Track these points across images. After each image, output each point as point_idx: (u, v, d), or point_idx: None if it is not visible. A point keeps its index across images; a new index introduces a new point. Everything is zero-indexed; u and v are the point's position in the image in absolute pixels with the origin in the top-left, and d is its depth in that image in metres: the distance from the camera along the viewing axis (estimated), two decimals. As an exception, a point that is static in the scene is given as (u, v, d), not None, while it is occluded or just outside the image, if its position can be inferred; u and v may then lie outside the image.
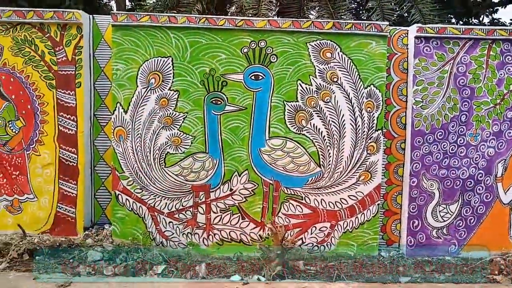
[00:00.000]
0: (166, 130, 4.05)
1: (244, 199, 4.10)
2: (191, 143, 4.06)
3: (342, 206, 4.12)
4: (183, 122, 4.04)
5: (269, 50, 4.02)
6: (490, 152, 4.12)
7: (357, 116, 4.06)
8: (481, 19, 11.79)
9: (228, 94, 4.03)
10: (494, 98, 4.10)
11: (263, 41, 4.01)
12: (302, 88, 4.04)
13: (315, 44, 4.02)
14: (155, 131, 4.04)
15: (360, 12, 7.66)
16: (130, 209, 4.07)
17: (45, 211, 4.09)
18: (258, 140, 4.06)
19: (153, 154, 4.06)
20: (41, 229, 4.10)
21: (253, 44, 4.01)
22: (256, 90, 4.04)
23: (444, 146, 4.10)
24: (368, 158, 4.09)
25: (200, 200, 4.10)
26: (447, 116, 4.09)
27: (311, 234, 4.13)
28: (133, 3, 14.36)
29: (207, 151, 4.07)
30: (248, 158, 4.07)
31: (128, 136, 4.03)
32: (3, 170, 4.06)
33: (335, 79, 4.04)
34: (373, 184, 4.11)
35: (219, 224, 4.11)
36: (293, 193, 4.10)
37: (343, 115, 4.06)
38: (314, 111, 4.05)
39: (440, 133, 4.09)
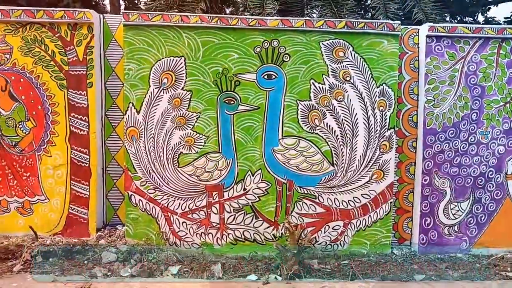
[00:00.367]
0: (179, 130, 4.03)
1: (257, 199, 4.10)
2: (204, 143, 4.05)
3: (355, 205, 4.14)
4: (196, 122, 4.03)
5: (282, 49, 4.02)
6: (500, 150, 4.17)
7: (369, 115, 4.08)
8: (475, 17, 11.90)
9: (241, 93, 4.03)
10: (504, 96, 4.15)
11: (275, 40, 4.01)
12: (315, 87, 4.04)
13: (327, 43, 4.03)
14: (168, 131, 4.02)
15: (363, 11, 7.67)
16: (143, 209, 4.05)
17: (57, 212, 4.05)
18: (271, 140, 4.06)
19: (166, 154, 4.04)
20: (53, 230, 4.06)
21: (266, 44, 4.01)
22: (269, 89, 4.03)
23: (456, 144, 4.14)
24: (381, 157, 4.11)
25: (214, 200, 4.09)
26: (458, 114, 4.13)
27: (325, 232, 4.15)
28: (126, 2, 14.26)
29: (220, 151, 4.06)
30: (261, 158, 4.07)
31: (141, 136, 4.01)
32: (13, 171, 4.01)
33: (348, 78, 4.05)
34: (386, 182, 4.14)
35: (233, 224, 4.10)
36: (306, 192, 4.11)
37: (356, 114, 4.07)
38: (327, 110, 4.06)
39: (452, 131, 4.12)
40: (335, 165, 4.10)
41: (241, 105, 4.04)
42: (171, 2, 6.94)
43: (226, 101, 4.03)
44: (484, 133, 4.15)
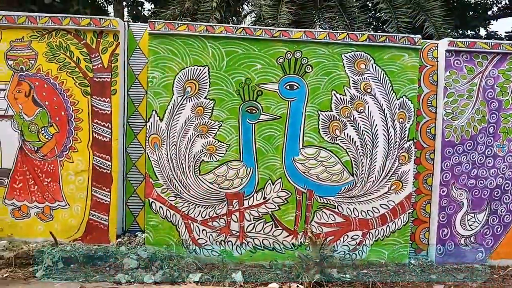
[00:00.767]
0: (201, 138, 4.06)
1: (277, 208, 4.13)
2: (226, 151, 4.08)
3: (374, 215, 4.18)
4: (218, 130, 4.06)
5: (304, 60, 4.08)
6: (516, 163, 4.25)
7: (389, 127, 4.14)
8: (477, 31, 12.12)
9: (263, 103, 4.07)
10: (520, 110, 4.24)
11: (298, 51, 4.07)
12: (336, 98, 4.10)
13: (349, 56, 4.10)
14: (190, 139, 4.05)
15: (375, 23, 7.80)
16: (163, 216, 4.06)
17: (77, 218, 4.05)
18: (292, 149, 4.10)
19: (188, 162, 4.06)
20: (73, 236, 4.06)
21: (288, 55, 4.07)
22: (290, 99, 4.09)
23: (473, 157, 4.20)
24: (400, 168, 4.17)
25: (234, 208, 4.11)
26: (476, 127, 4.20)
27: (343, 242, 4.18)
28: (128, 9, 14.34)
29: (241, 159, 4.09)
30: (281, 167, 4.11)
31: (163, 144, 4.03)
32: (34, 177, 4.01)
33: (369, 90, 4.12)
34: (404, 193, 4.19)
35: (252, 232, 4.13)
36: (326, 202, 4.15)
37: (376, 125, 4.13)
38: (347, 121, 4.12)
39: (469, 144, 4.19)
40: (354, 176, 4.15)
41: (263, 114, 4.08)
42: (184, 11, 7.03)
43: (248, 110, 4.08)
44: (501, 146, 4.22)
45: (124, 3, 12.96)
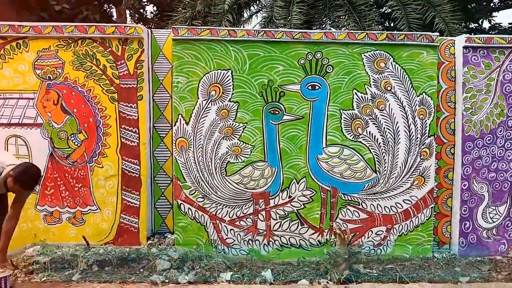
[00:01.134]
0: (227, 140, 4.15)
1: (302, 206, 4.22)
2: (251, 152, 4.17)
3: (397, 210, 4.27)
4: (242, 132, 4.15)
5: (325, 61, 4.16)
6: (535, 155, 4.33)
7: (410, 123, 4.22)
8: (480, 23, 12.17)
9: (285, 104, 4.16)
10: (538, 103, 4.32)
11: (319, 52, 4.15)
12: (358, 96, 4.18)
13: (369, 55, 4.18)
14: (216, 141, 4.14)
15: (385, 21, 7.86)
16: (192, 217, 4.16)
17: (108, 222, 4.15)
18: (316, 148, 4.19)
19: (214, 164, 4.15)
20: (104, 240, 4.15)
21: (309, 56, 4.15)
22: (313, 99, 4.17)
23: (493, 150, 4.28)
24: (422, 164, 4.25)
25: (260, 207, 4.20)
26: (495, 121, 4.28)
27: (368, 238, 4.26)
28: (130, 12, 14.43)
29: (266, 160, 4.18)
30: (306, 166, 4.19)
31: (190, 147, 4.12)
32: (65, 182, 4.11)
33: (389, 88, 4.20)
34: (427, 188, 4.27)
35: (279, 231, 4.22)
36: (350, 199, 4.23)
37: (397, 122, 4.21)
38: (369, 118, 4.20)
39: (489, 137, 4.27)
40: (377, 172, 4.23)
41: (286, 115, 4.17)
42: (196, 15, 7.11)
43: (272, 112, 4.16)
44: (520, 139, 4.30)
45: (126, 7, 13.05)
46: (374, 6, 7.03)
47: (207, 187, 4.16)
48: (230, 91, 4.13)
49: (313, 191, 4.21)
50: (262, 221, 4.20)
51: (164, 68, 4.31)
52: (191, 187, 4.14)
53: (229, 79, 4.13)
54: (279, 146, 4.18)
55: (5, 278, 3.01)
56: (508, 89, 4.28)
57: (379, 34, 4.17)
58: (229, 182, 4.17)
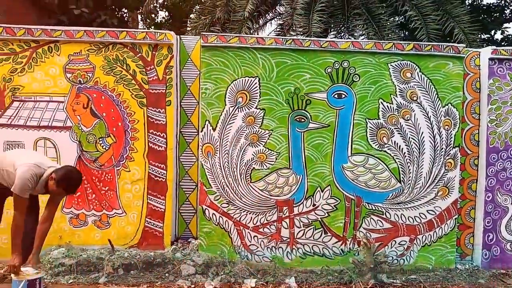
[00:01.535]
0: (252, 147, 4.18)
1: (326, 214, 4.23)
2: (276, 159, 4.19)
3: (421, 221, 4.27)
4: (268, 139, 4.18)
5: (352, 70, 4.19)
6: (560, 168, 4.32)
7: (435, 134, 4.24)
8: (492, 34, 12.20)
9: (311, 112, 4.19)
10: None
11: (346, 61, 4.19)
12: (384, 106, 4.21)
13: (395, 65, 4.21)
14: (242, 147, 4.17)
15: (404, 31, 7.89)
16: (216, 223, 4.18)
17: (133, 226, 4.17)
18: (341, 157, 4.21)
19: (240, 170, 4.18)
20: (129, 243, 4.18)
21: (336, 64, 4.19)
22: (339, 108, 4.20)
23: (518, 163, 4.29)
24: (446, 174, 4.26)
25: (284, 214, 4.21)
26: (520, 133, 4.29)
27: (391, 248, 4.26)
28: (142, 16, 14.56)
29: (291, 167, 4.20)
30: (330, 174, 4.21)
31: (216, 153, 4.15)
32: (92, 186, 4.14)
33: (415, 98, 4.22)
34: (451, 199, 4.27)
35: (302, 238, 4.22)
36: (374, 208, 4.24)
37: (422, 132, 4.23)
38: (395, 128, 4.22)
39: (514, 150, 4.28)
40: (402, 182, 4.24)
41: (312, 123, 4.19)
42: (214, 22, 7.18)
43: (297, 119, 4.19)
44: (545, 152, 4.30)
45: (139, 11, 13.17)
46: (392, 15, 7.07)
47: (232, 193, 4.18)
48: (257, 98, 4.17)
49: (338, 199, 4.22)
50: (285, 228, 4.21)
51: (192, 74, 4.36)
52: (216, 192, 4.17)
53: (256, 86, 4.16)
54: (304, 154, 4.20)
55: (39, 279, 3.03)
56: (534, 102, 4.29)
57: (406, 45, 4.20)
58: (253, 189, 4.19)
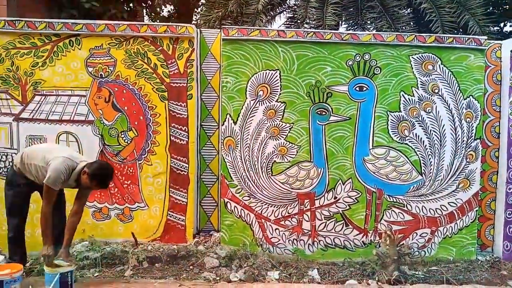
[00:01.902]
0: (273, 140, 4.18)
1: (347, 207, 4.24)
2: (297, 152, 4.20)
3: (442, 213, 4.27)
4: (289, 132, 4.18)
5: (373, 62, 4.18)
6: None
7: (457, 126, 4.23)
8: (501, 26, 12.11)
9: (333, 105, 4.18)
10: None
11: (367, 54, 4.17)
12: (405, 99, 4.20)
13: (417, 57, 4.19)
14: (263, 141, 4.18)
15: (418, 23, 7.83)
16: (238, 216, 4.19)
17: (156, 219, 4.19)
18: (362, 149, 4.21)
19: (261, 163, 4.19)
20: (151, 236, 4.20)
21: (357, 57, 4.17)
22: (360, 100, 4.19)
23: (539, 154, 4.28)
24: (467, 166, 4.26)
25: (305, 207, 4.23)
26: (541, 125, 4.28)
27: (412, 239, 4.27)
28: (147, 10, 14.49)
29: (312, 160, 4.20)
30: (351, 167, 4.21)
31: (237, 146, 4.16)
32: (114, 179, 4.14)
33: (436, 90, 4.21)
34: (472, 191, 4.28)
35: (324, 231, 4.24)
36: (395, 200, 4.25)
37: (443, 125, 4.22)
38: (416, 121, 4.21)
39: (535, 141, 4.27)
40: (423, 174, 4.24)
41: (333, 115, 4.19)
42: (226, 15, 7.16)
43: (318, 112, 4.19)
44: None
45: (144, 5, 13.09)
46: (406, 8, 7.03)
47: (253, 186, 4.19)
48: (277, 91, 4.16)
49: (359, 192, 4.23)
50: (307, 221, 4.22)
51: (212, 68, 4.35)
52: (237, 185, 4.18)
53: (277, 80, 4.16)
54: (326, 147, 4.20)
55: (71, 272, 3.06)
56: (556, 94, 4.28)
57: (428, 37, 4.18)
58: (274, 182, 4.20)
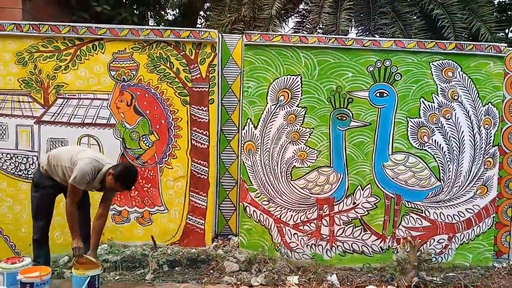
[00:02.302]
0: (293, 145, 4.21)
1: (366, 212, 4.26)
2: (317, 157, 4.22)
3: (459, 219, 4.30)
4: (309, 137, 4.21)
5: (393, 69, 4.21)
6: None
7: (475, 133, 4.26)
8: (506, 32, 12.18)
9: (353, 110, 4.21)
10: None
11: (388, 60, 4.20)
12: (425, 105, 4.23)
13: (437, 64, 4.22)
14: (283, 145, 4.20)
15: (430, 30, 7.88)
16: (257, 220, 4.21)
17: (175, 222, 4.21)
18: (382, 155, 4.23)
19: (280, 168, 4.21)
20: (170, 240, 4.21)
21: (378, 63, 4.20)
22: (380, 106, 4.22)
23: (557, 162, 4.31)
24: (485, 173, 4.28)
25: (324, 212, 4.25)
26: (559, 133, 4.31)
27: (430, 245, 4.29)
28: (152, 13, 14.52)
29: (331, 165, 4.23)
30: (371, 173, 4.24)
31: (257, 151, 4.18)
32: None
33: (456, 97, 4.24)
34: (489, 197, 4.30)
35: (342, 236, 4.26)
36: (413, 206, 4.27)
37: (462, 131, 4.25)
38: (435, 127, 4.24)
39: (553, 149, 4.31)
40: (441, 181, 4.27)
41: (353, 121, 4.22)
42: (237, 20, 7.20)
43: (339, 118, 4.21)
44: None
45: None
46: (418, 14, 7.08)
47: (273, 190, 4.21)
48: (298, 96, 4.19)
49: (378, 198, 4.25)
50: (325, 226, 4.24)
51: (233, 73, 4.38)
52: (257, 190, 4.20)
53: (298, 85, 4.19)
54: (345, 152, 4.23)
55: (99, 275, 3.07)
56: None
57: (448, 44, 4.22)
58: (294, 187, 4.22)
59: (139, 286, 3.49)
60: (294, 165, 4.22)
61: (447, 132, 4.25)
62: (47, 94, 4.11)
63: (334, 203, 4.24)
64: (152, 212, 4.21)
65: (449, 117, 4.24)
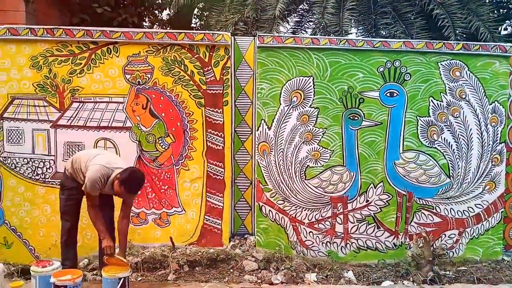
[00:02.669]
0: (307, 145, 4.29)
1: (379, 210, 4.35)
2: (330, 157, 4.30)
3: (469, 214, 4.42)
4: (322, 137, 4.29)
5: (403, 69, 4.31)
6: None
7: (483, 130, 4.38)
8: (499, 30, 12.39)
9: (365, 110, 4.30)
10: None
11: (397, 61, 4.30)
12: (434, 104, 4.34)
13: (445, 64, 4.33)
14: (296, 146, 4.28)
15: (431, 29, 8.00)
16: (272, 219, 4.28)
17: (192, 223, 4.26)
18: (393, 154, 4.33)
19: (294, 167, 4.28)
20: (188, 241, 4.26)
21: (388, 64, 4.30)
22: (391, 106, 4.31)
23: (561, 157, 4.45)
24: (493, 169, 4.41)
25: (338, 211, 4.33)
26: None
27: (441, 241, 4.41)
28: (146, 12, 14.48)
29: (344, 164, 4.31)
30: (383, 171, 4.33)
31: (271, 151, 4.25)
32: (152, 185, 4.22)
33: (463, 96, 4.35)
34: (497, 193, 4.43)
35: (356, 233, 4.35)
36: (424, 203, 4.38)
37: (470, 129, 4.37)
38: (444, 125, 4.35)
39: (558, 145, 4.44)
40: (451, 177, 4.38)
41: (365, 121, 4.31)
42: (239, 20, 7.24)
43: (351, 117, 4.30)
44: None
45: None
46: (419, 14, 7.18)
47: (287, 190, 4.29)
48: (311, 97, 4.27)
49: (390, 195, 4.35)
50: (340, 224, 4.33)
51: (246, 75, 4.43)
52: (272, 190, 4.27)
53: (311, 86, 4.26)
54: (358, 151, 4.32)
55: (128, 277, 3.12)
56: None
57: (456, 44, 4.33)
58: (308, 186, 4.30)
59: (164, 287, 3.53)
60: (308, 165, 4.30)
61: (456, 130, 4.36)
62: (62, 98, 4.13)
63: (348, 201, 4.33)
64: (170, 214, 4.26)
65: (457, 116, 4.36)
